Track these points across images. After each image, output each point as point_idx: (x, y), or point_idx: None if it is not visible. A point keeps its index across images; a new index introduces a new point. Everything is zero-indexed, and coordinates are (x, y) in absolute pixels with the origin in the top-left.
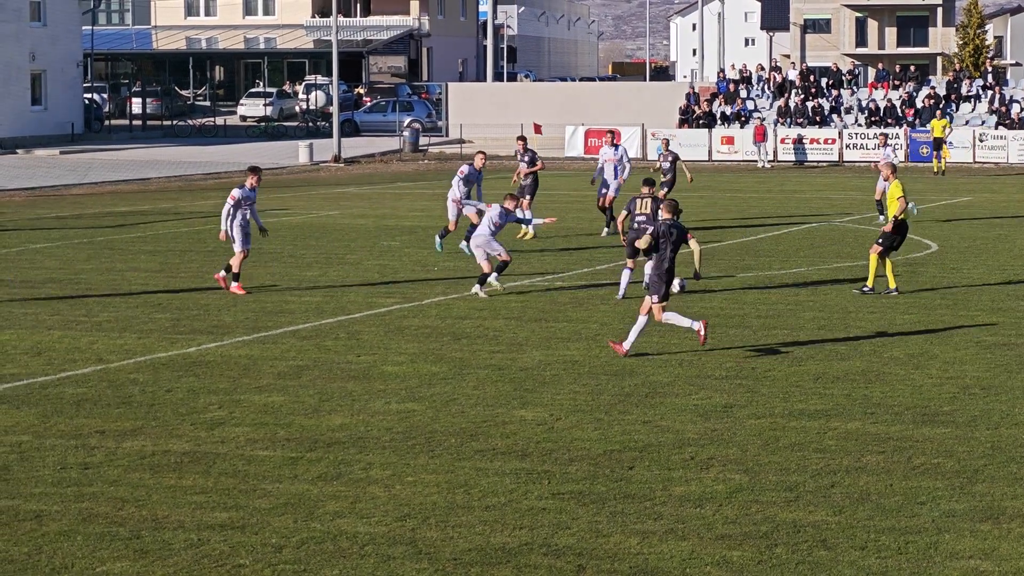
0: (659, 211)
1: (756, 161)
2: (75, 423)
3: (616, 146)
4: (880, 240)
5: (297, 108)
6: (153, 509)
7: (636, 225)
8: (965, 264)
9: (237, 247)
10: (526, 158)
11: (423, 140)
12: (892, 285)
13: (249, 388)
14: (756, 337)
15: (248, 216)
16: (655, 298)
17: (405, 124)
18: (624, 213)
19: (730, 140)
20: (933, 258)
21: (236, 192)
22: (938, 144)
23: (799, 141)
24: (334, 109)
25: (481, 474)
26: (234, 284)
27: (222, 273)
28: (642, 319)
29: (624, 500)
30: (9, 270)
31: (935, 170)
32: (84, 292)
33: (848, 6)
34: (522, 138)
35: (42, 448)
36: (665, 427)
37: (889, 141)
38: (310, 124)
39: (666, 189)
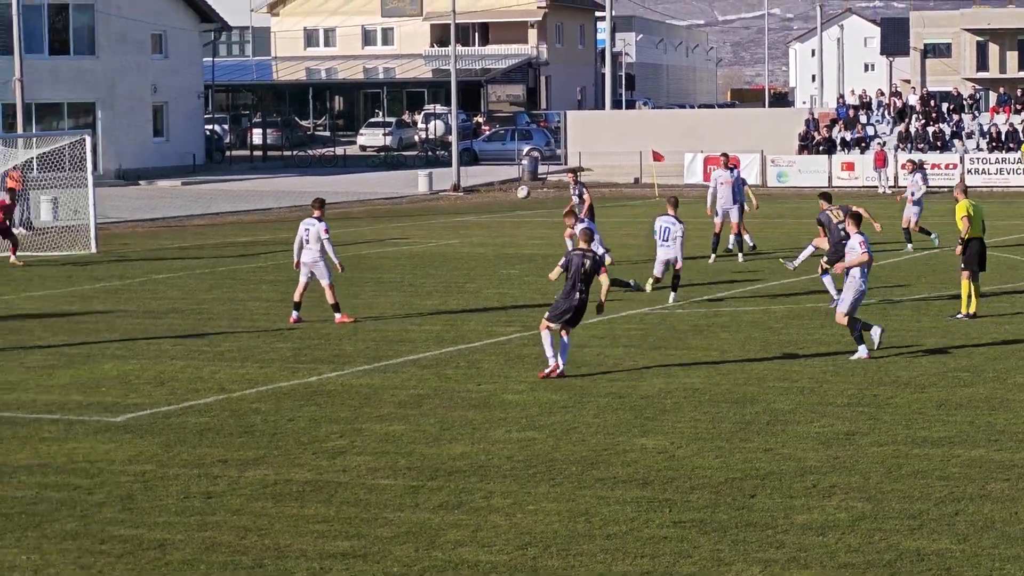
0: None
1: (876, 187)
2: (198, 452)
3: (731, 168)
4: (962, 265)
5: (416, 137)
6: (275, 538)
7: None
8: None
9: (327, 280)
10: (576, 191)
11: (542, 168)
12: (964, 310)
13: (370, 417)
14: (877, 364)
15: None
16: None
17: (524, 152)
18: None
19: (850, 166)
20: None
21: (324, 225)
22: None
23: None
24: (453, 138)
25: (602, 502)
26: (339, 315)
27: (338, 316)
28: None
29: (746, 528)
30: (132, 300)
31: None
32: (206, 322)
33: (969, 30)
34: (573, 171)
35: (166, 477)
36: (787, 455)
37: (924, 167)
38: (429, 153)
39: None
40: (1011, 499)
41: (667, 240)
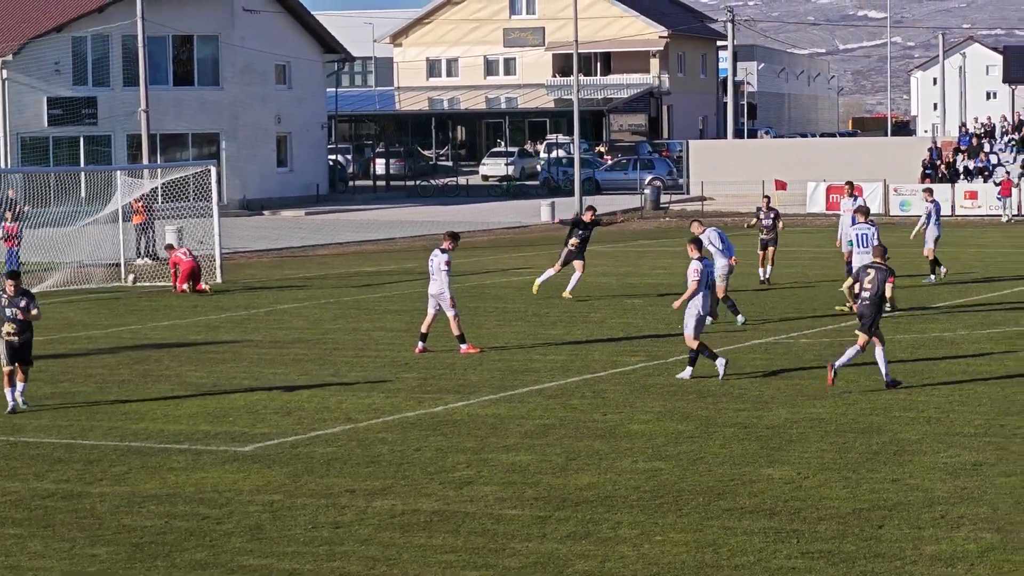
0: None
1: (1000, 216)
2: (325, 482)
3: (855, 197)
4: None
5: (538, 167)
6: (404, 568)
7: (860, 302)
8: None
9: (453, 311)
10: (767, 217)
11: (664, 198)
12: None
13: (496, 447)
14: (1004, 394)
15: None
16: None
17: (646, 182)
18: (849, 280)
19: (973, 195)
20: None
21: (447, 256)
22: None
23: None
24: (576, 167)
25: (729, 533)
26: (464, 346)
27: (463, 347)
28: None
29: (874, 559)
30: (258, 330)
31: None
32: (332, 352)
33: None
34: (767, 197)
35: (293, 507)
36: (914, 485)
37: (934, 195)
38: (552, 183)
39: (772, 247)
40: None
41: (866, 246)
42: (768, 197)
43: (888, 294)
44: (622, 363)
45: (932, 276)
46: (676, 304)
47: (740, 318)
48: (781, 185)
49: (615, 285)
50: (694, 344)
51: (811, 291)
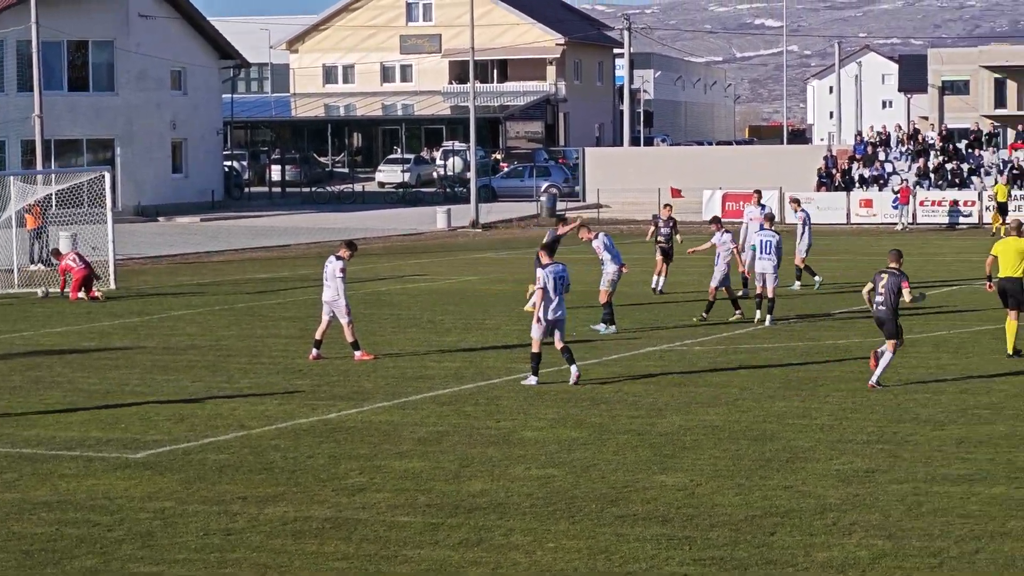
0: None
1: (895, 224)
2: (217, 489)
3: (763, 205)
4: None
5: (435, 174)
6: (296, 575)
7: (876, 307)
8: None
9: (347, 319)
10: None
11: (560, 205)
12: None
13: (389, 454)
14: (897, 401)
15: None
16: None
17: (542, 189)
18: (868, 286)
19: (868, 203)
20: None
21: (341, 264)
22: (1003, 209)
23: (940, 203)
24: (472, 175)
25: (622, 540)
26: (358, 353)
27: (357, 354)
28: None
29: (766, 566)
30: (151, 336)
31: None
32: (225, 358)
33: (987, 67)
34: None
35: (185, 514)
36: (806, 492)
37: (802, 205)
38: (447, 190)
39: (667, 260)
40: None
41: (769, 253)
42: (670, 206)
43: (906, 298)
44: (516, 370)
45: (797, 283)
46: (527, 308)
47: (612, 328)
48: (677, 193)
49: (510, 292)
50: (535, 348)
51: (705, 299)
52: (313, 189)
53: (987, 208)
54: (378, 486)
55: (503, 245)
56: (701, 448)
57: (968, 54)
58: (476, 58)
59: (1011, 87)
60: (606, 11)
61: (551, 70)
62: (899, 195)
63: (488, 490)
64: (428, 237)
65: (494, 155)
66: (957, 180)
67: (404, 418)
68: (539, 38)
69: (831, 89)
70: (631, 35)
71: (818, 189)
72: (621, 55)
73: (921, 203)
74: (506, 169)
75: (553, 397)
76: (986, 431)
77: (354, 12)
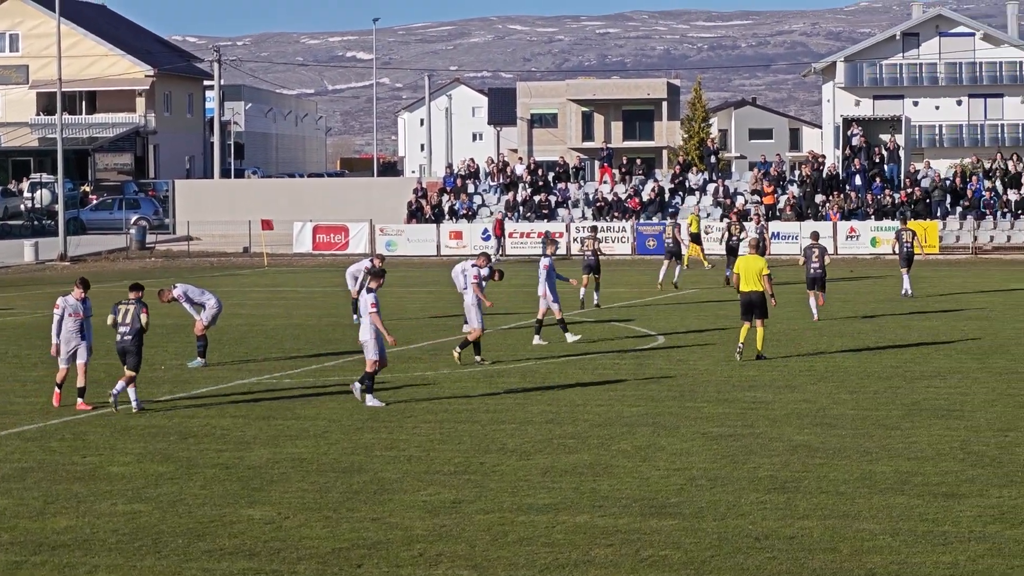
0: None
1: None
2: None
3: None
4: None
5: (22, 207)
6: None
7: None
8: (691, 355)
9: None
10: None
11: (150, 237)
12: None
13: None
14: (484, 431)
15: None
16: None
17: (132, 222)
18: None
19: (458, 235)
20: (660, 350)
21: (60, 301)
22: (696, 239)
23: (530, 235)
24: (60, 207)
25: (209, 574)
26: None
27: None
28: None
29: None
30: None
31: (706, 265)
32: None
33: (574, 101)
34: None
35: None
36: (394, 523)
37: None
38: (35, 222)
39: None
40: (614, 564)
41: (466, 287)
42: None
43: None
44: (103, 405)
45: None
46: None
47: (201, 361)
48: (268, 225)
49: (98, 326)
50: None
51: (297, 331)
52: None
53: (574, 240)
54: None
55: (92, 278)
56: (289, 481)
57: (556, 87)
58: (64, 89)
59: (598, 120)
60: (197, 43)
61: (140, 101)
62: (494, 226)
63: (73, 526)
64: (15, 271)
65: (83, 187)
66: (545, 212)
67: None
68: (128, 69)
69: (422, 121)
70: (221, 67)
71: (408, 221)
72: (212, 87)
73: (511, 235)
74: (95, 201)
75: (141, 432)
76: (571, 460)
77: None
